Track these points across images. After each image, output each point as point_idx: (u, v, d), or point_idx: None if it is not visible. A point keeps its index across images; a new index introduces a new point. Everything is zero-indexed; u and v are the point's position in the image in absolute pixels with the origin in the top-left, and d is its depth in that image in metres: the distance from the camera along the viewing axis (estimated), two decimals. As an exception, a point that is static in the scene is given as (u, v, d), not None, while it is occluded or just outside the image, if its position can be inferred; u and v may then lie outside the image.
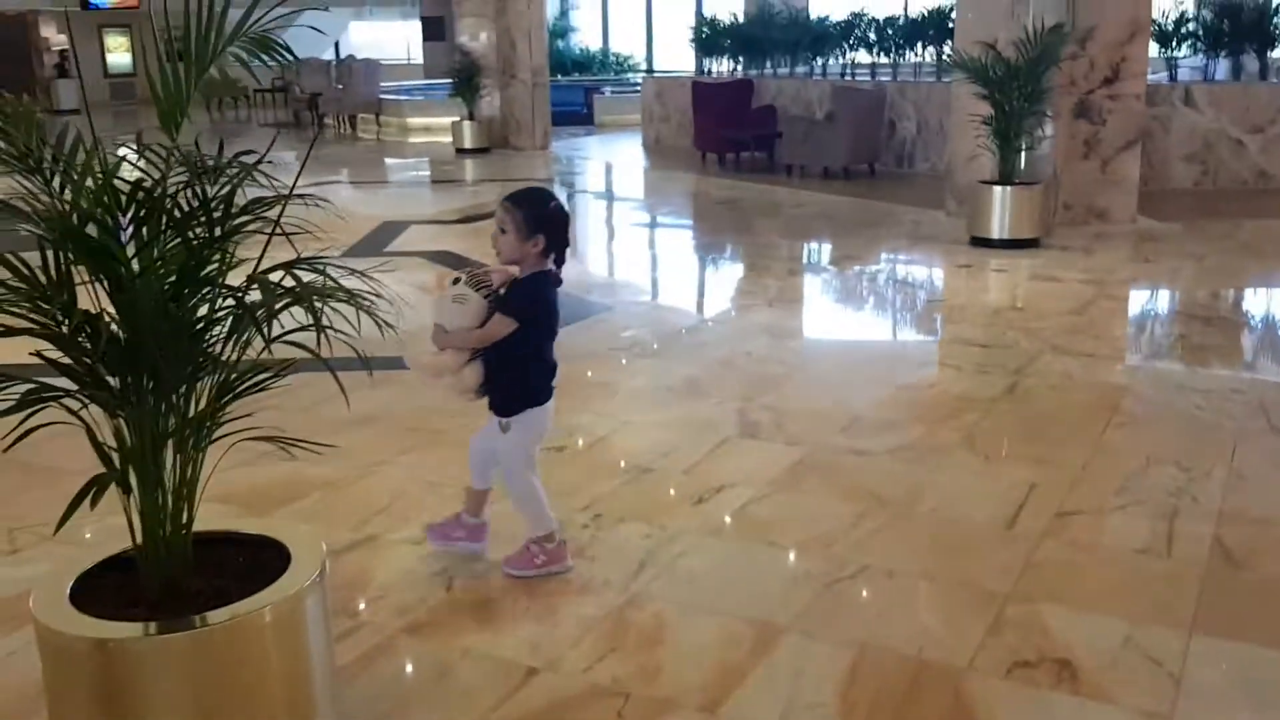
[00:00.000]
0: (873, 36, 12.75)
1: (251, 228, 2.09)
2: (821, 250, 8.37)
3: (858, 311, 6.31)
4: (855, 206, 9.72)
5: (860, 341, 5.51)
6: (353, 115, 19.03)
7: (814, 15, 14.79)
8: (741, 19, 15.18)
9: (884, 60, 12.81)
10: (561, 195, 11.30)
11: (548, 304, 2.85)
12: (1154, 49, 9.78)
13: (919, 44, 12.27)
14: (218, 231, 2.01)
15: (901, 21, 12.57)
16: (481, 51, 14.88)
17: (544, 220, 2.81)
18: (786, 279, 7.02)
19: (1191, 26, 11.04)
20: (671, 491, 3.56)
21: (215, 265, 2.03)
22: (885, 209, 9.57)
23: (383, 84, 19.48)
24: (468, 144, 14.51)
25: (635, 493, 3.55)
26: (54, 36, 26.40)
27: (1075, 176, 8.21)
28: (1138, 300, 6.66)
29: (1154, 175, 9.67)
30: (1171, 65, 10.96)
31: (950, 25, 10.34)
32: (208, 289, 2.02)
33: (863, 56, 13.14)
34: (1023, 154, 7.59)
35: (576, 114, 19.02)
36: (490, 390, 2.92)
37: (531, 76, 14.79)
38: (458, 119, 14.68)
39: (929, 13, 12.04)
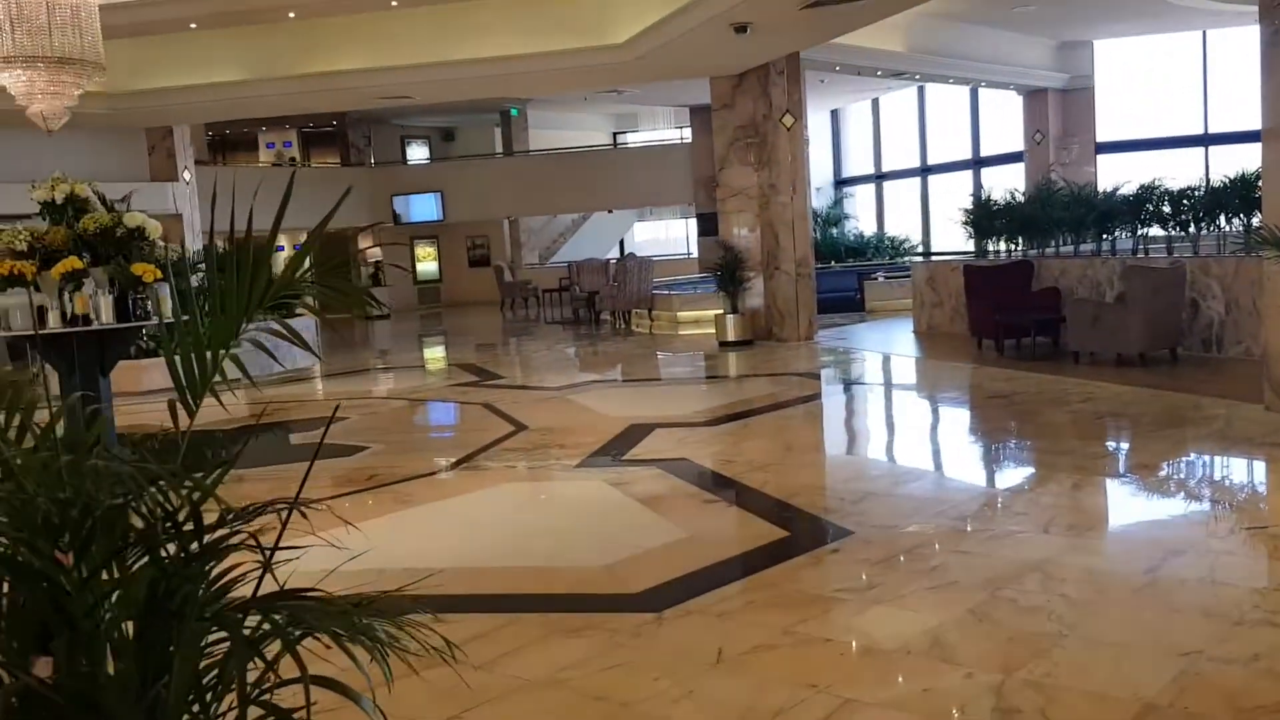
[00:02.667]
0: (1167, 210, 11.57)
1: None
2: (1115, 455, 7.26)
3: (1157, 542, 5.15)
4: (1154, 400, 8.53)
5: (1158, 585, 4.44)
6: (627, 310, 19.48)
7: (1100, 189, 13.77)
8: (1020, 197, 14.35)
9: (1181, 233, 11.57)
10: (833, 389, 10.67)
11: None
12: None
13: (1221, 215, 10.99)
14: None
15: (1200, 192, 11.34)
16: (745, 245, 14.83)
17: None
18: (1069, 494, 6.01)
19: None
20: (891, 817, 2.77)
21: (188, 592, 1.58)
22: (1191, 402, 8.33)
23: (656, 279, 19.90)
24: (730, 337, 14.30)
25: (842, 817, 2.79)
26: (370, 248, 29.06)
27: None
28: None
29: None
30: None
31: (1257, 194, 9.13)
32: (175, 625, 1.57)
33: (1156, 230, 11.93)
34: (1363, 341, 6.32)
35: (849, 300, 18.61)
36: None
37: (795, 268, 14.51)
38: (721, 312, 14.57)
39: (1231, 181, 10.80)
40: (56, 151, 12.95)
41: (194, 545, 1.55)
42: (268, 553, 1.62)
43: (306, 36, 14.43)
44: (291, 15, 13.39)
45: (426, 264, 30.92)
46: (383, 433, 9.47)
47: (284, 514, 1.68)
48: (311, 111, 21.99)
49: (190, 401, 1.73)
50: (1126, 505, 6.02)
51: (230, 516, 1.59)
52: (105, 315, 7.70)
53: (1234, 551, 4.86)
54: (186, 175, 18.11)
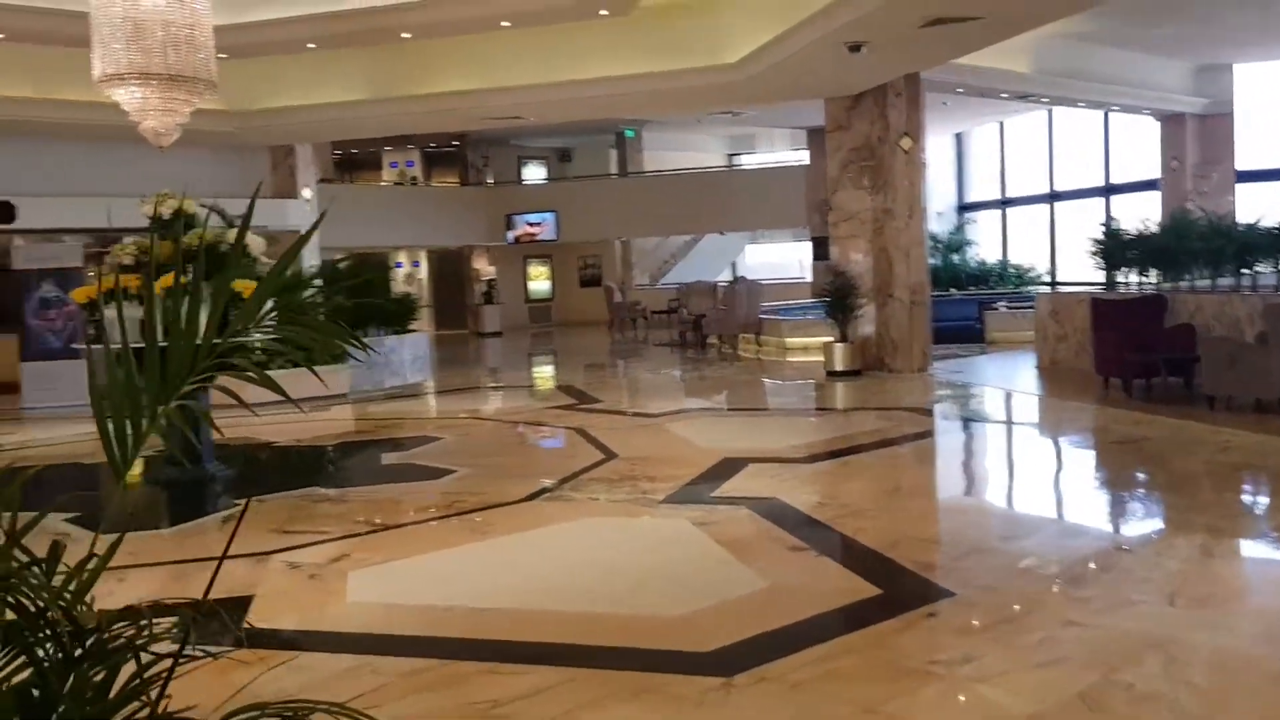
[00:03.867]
0: (1317, 243, 10.70)
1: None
2: (1253, 514, 6.60)
3: (1301, 616, 4.61)
4: (1299, 452, 7.80)
5: (1303, 671, 3.90)
6: (734, 335, 19.11)
7: (1240, 220, 12.87)
8: (1154, 227, 13.52)
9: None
10: (946, 427, 10.12)
11: None
12: None
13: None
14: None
15: (1355, 223, 10.46)
16: (858, 270, 14.33)
17: None
18: (1199, 558, 5.43)
19: None
20: None
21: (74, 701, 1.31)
22: (1343, 456, 7.59)
23: (765, 303, 19.49)
24: (838, 366, 13.81)
25: None
26: (484, 267, 29.28)
27: None
28: None
29: None
30: None
31: None
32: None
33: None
34: None
35: (969, 330, 17.91)
36: None
37: (909, 295, 13.94)
38: (830, 340, 14.09)
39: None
40: (182, 167, 13.33)
41: (75, 650, 1.28)
42: (177, 657, 1.34)
43: (420, 57, 14.52)
44: (406, 36, 13.46)
45: (539, 283, 31.05)
46: (472, 456, 9.32)
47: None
48: (425, 131, 22.25)
49: (118, 465, 1.48)
50: (1265, 574, 5.41)
51: (106, 632, 1.31)
52: (203, 330, 7.69)
53: (1394, 638, 4.25)
54: (306, 193, 18.43)
